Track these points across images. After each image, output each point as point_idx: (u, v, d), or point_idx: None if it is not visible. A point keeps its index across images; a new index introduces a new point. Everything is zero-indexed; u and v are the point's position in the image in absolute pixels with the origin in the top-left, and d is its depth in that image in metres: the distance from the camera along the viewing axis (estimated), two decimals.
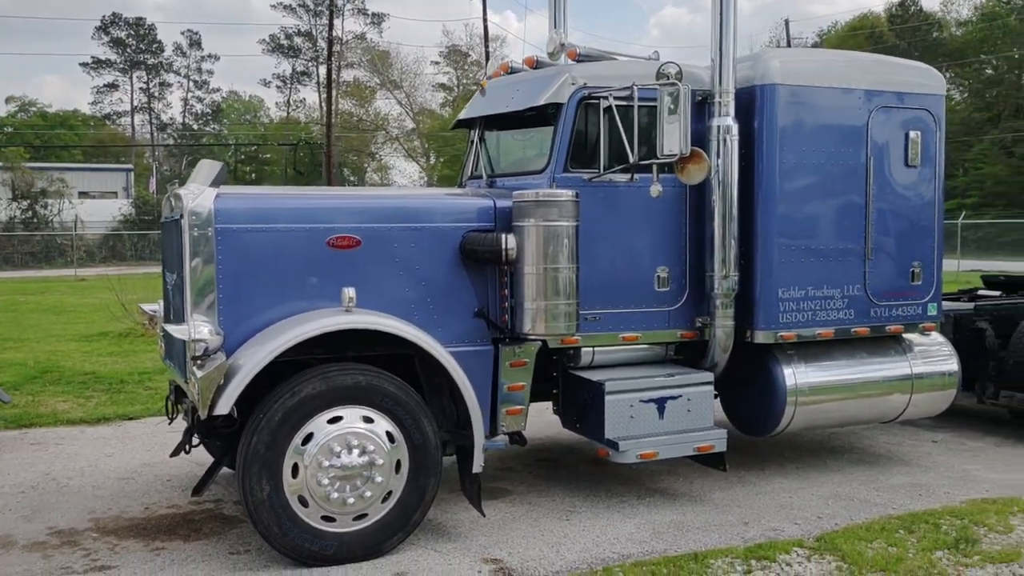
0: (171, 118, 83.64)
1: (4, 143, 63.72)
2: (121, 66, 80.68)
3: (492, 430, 6.11)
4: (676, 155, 5.78)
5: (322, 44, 65.61)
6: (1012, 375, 8.01)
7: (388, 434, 5.34)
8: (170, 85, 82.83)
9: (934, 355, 7.25)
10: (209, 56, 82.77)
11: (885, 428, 8.59)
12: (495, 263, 5.91)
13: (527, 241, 5.80)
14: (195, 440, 5.90)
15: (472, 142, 7.16)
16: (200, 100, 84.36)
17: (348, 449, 5.21)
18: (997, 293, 9.47)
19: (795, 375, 6.66)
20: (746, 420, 7.03)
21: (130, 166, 59.83)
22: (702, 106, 6.47)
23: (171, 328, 5.51)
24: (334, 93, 54.27)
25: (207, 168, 5.72)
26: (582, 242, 6.03)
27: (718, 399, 7.16)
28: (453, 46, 68.63)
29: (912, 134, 6.89)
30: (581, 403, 6.34)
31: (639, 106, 5.98)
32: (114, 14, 79.51)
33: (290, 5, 72.54)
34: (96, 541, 5.67)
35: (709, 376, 6.44)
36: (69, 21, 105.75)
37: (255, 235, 5.50)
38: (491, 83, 6.98)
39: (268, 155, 74.39)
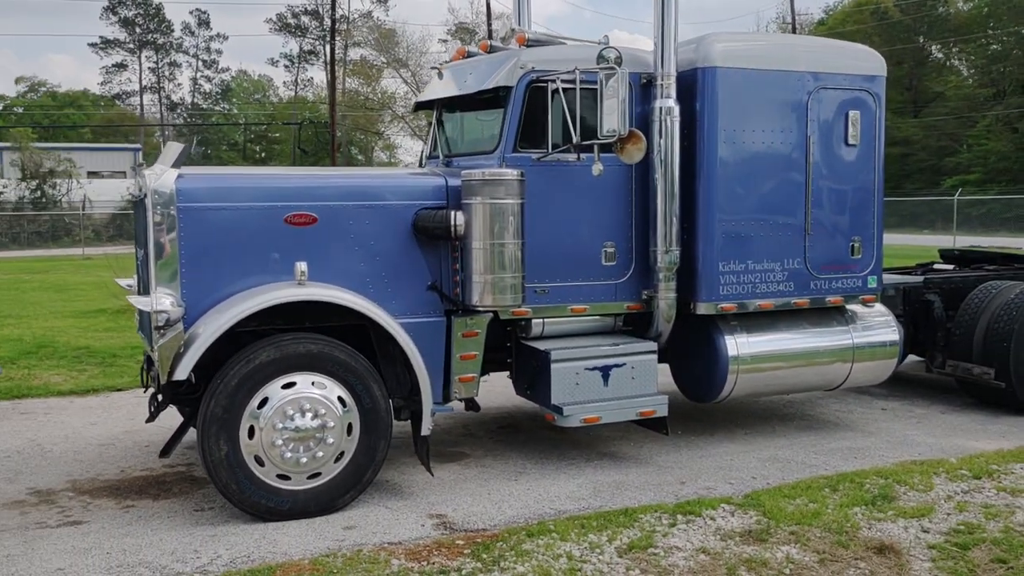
0: (181, 98, 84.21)
1: (14, 123, 64.40)
2: (130, 46, 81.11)
3: (445, 396, 6.49)
4: (615, 135, 6.09)
5: (328, 23, 65.72)
6: (957, 345, 8.32)
7: (340, 399, 5.72)
8: (179, 65, 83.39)
9: (875, 326, 7.57)
10: (218, 36, 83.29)
11: (838, 396, 8.94)
12: (445, 239, 6.26)
13: (474, 218, 6.14)
14: (159, 405, 6.25)
15: (431, 123, 7.49)
16: (209, 80, 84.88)
17: (301, 412, 5.59)
18: (951, 267, 9.76)
19: (737, 344, 6.99)
20: (692, 387, 7.37)
21: (139, 146, 60.26)
22: (647, 88, 6.76)
23: (135, 300, 5.90)
24: (340, 72, 54.53)
25: (172, 150, 6.07)
26: (532, 218, 6.39)
27: (668, 367, 7.55)
28: (460, 24, 68.65)
29: (852, 114, 7.17)
30: (531, 371, 6.71)
31: (581, 89, 6.29)
32: None
33: None
34: (71, 500, 6.09)
35: (653, 345, 6.79)
36: (78, 1, 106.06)
37: (216, 213, 5.86)
38: (449, 67, 7.30)
39: (278, 134, 74.80)
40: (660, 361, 7.48)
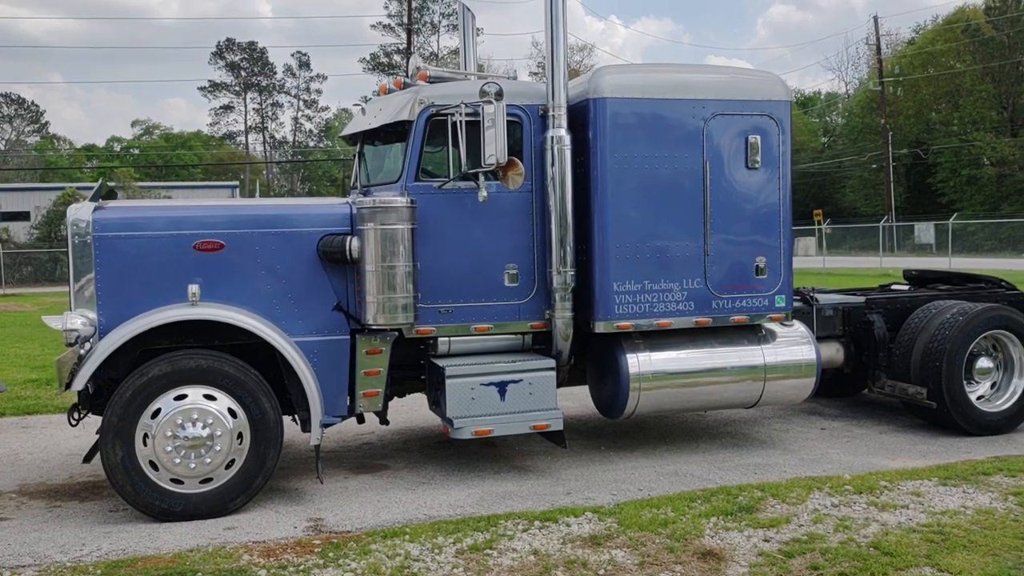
0: (283, 136, 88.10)
1: (130, 164, 68.78)
2: (236, 88, 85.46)
3: (351, 410, 6.95)
4: (494, 163, 6.49)
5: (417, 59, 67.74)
6: (897, 365, 8.28)
7: (230, 410, 6.25)
8: (281, 105, 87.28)
9: (791, 345, 7.65)
10: (317, 76, 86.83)
11: (780, 415, 8.98)
12: (343, 263, 6.75)
13: (367, 243, 6.62)
14: (76, 415, 6.86)
15: (354, 155, 8.03)
16: (309, 119, 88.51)
17: (191, 422, 6.14)
18: (906, 287, 9.66)
19: (639, 362, 7.21)
20: (601, 404, 7.61)
21: (235, 183, 63.23)
22: (545, 119, 7.13)
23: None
24: None
25: (97, 186, 6.79)
26: (435, 242, 6.89)
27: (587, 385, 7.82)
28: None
29: (752, 138, 7.33)
30: (434, 386, 7.10)
31: (469, 121, 6.71)
32: (228, 39, 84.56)
33: (388, 24, 75.38)
34: (11, 501, 6.79)
35: (551, 363, 7.07)
36: (190, 48, 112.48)
37: (129, 241, 6.51)
38: (370, 102, 7.83)
39: None
40: (578, 381, 7.80)
